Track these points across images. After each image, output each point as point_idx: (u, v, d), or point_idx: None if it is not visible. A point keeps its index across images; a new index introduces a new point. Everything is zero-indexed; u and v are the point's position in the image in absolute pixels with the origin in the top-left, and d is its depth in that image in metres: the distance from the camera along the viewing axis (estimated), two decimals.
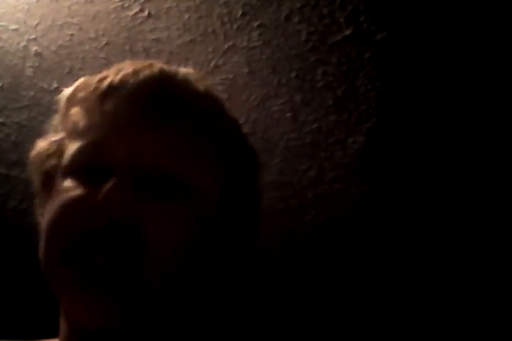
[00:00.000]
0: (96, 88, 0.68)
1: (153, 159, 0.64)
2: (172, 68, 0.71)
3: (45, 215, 0.66)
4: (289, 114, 1.59)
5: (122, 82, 0.67)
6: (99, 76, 0.70)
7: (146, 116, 0.66)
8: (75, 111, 0.69)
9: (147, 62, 0.71)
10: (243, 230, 0.71)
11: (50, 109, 1.61)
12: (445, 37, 1.41)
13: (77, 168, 0.65)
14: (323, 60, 1.47)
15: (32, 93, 1.61)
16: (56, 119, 0.73)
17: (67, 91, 0.72)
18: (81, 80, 0.72)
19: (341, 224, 1.81)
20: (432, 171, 1.67)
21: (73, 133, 0.68)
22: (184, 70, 0.72)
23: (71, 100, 0.70)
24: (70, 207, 0.63)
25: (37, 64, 1.55)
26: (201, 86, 0.71)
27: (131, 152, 0.64)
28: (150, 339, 0.64)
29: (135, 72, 0.68)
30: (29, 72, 1.56)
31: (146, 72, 0.68)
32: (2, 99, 1.64)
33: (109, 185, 0.61)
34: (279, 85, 1.53)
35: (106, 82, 0.68)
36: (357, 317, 1.93)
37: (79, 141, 0.66)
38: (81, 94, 0.70)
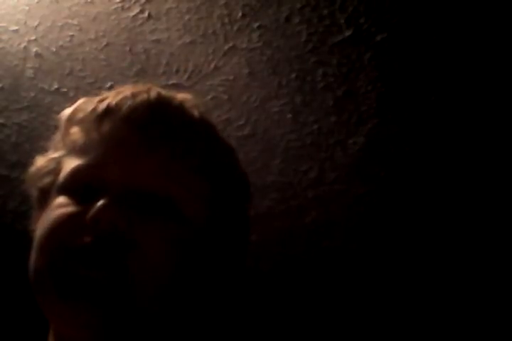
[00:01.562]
0: (94, 109, 0.70)
1: (144, 181, 0.66)
2: (170, 93, 0.73)
3: (37, 229, 0.68)
4: (289, 115, 1.59)
5: (119, 105, 0.69)
6: (98, 97, 0.72)
7: (140, 139, 0.68)
8: (75, 130, 0.71)
9: (146, 87, 0.73)
10: (229, 253, 0.72)
11: (50, 110, 1.61)
12: (445, 38, 1.41)
13: (72, 186, 0.67)
14: (324, 61, 1.47)
15: (32, 94, 1.61)
16: (57, 137, 0.75)
17: (68, 111, 0.74)
18: (81, 101, 0.74)
19: (342, 225, 1.81)
20: (433, 172, 1.67)
21: (72, 151, 0.70)
22: (181, 95, 0.74)
23: (71, 120, 0.72)
24: (61, 222, 0.65)
25: (37, 65, 1.55)
26: (196, 112, 0.73)
27: (123, 173, 0.66)
28: None
29: (133, 96, 0.70)
30: (29, 73, 1.56)
31: (143, 96, 0.70)
32: (2, 100, 1.64)
33: (99, 204, 0.63)
34: (279, 86, 1.53)
35: (104, 104, 0.70)
36: (357, 318, 1.93)
37: (76, 159, 0.68)
38: (80, 115, 0.72)
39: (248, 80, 1.53)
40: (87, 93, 1.54)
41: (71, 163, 0.68)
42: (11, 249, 1.88)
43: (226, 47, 1.47)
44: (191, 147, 0.70)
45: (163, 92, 0.72)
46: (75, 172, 0.68)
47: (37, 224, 0.70)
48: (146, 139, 0.68)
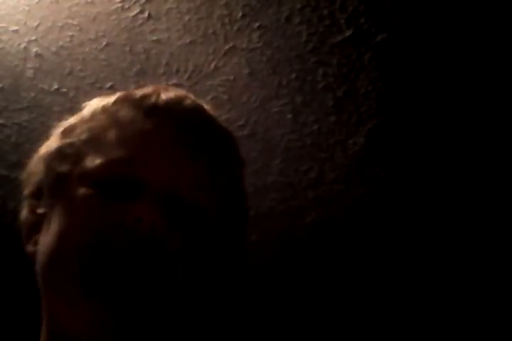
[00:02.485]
0: (138, 105, 0.68)
1: (185, 188, 0.65)
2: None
3: (55, 220, 0.65)
4: (289, 115, 1.59)
5: (167, 106, 0.68)
6: (140, 93, 0.70)
7: (187, 145, 0.66)
8: (103, 119, 0.68)
9: (181, 91, 0.72)
10: (235, 254, 0.73)
11: (50, 110, 1.62)
12: (445, 38, 1.41)
13: (102, 180, 0.64)
14: (324, 61, 1.47)
15: (32, 94, 1.61)
16: (73, 120, 0.71)
17: (104, 100, 0.71)
18: (121, 93, 0.71)
19: (342, 225, 1.81)
20: (432, 172, 1.67)
21: (97, 142, 0.67)
22: (205, 106, 0.73)
23: (105, 109, 0.69)
24: (95, 218, 0.62)
25: (37, 65, 1.55)
26: (222, 124, 0.73)
27: (166, 176, 0.64)
28: None
29: (179, 99, 0.69)
30: (29, 73, 1.56)
31: (188, 102, 0.69)
32: (2, 101, 1.64)
33: (141, 205, 0.61)
34: (279, 86, 1.53)
35: (150, 101, 0.68)
36: (357, 318, 1.93)
37: (106, 151, 0.65)
38: (117, 106, 0.69)
39: (248, 80, 1.53)
40: (87, 93, 1.54)
41: (99, 154, 0.65)
42: (11, 248, 1.87)
43: (226, 48, 1.47)
44: (226, 161, 0.70)
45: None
46: (110, 165, 0.64)
47: (47, 211, 0.67)
48: (193, 145, 0.67)
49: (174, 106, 0.68)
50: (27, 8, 1.44)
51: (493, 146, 1.59)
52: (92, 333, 0.60)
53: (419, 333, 1.87)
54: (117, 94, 0.71)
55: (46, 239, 0.65)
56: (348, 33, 1.41)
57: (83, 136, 0.68)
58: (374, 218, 1.78)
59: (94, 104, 0.71)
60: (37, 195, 0.70)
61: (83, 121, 0.70)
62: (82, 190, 0.64)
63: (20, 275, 1.84)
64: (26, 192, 0.71)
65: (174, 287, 0.62)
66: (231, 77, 1.52)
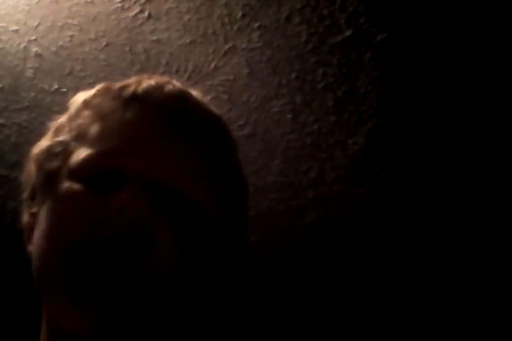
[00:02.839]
0: (118, 95, 0.68)
1: (170, 175, 0.63)
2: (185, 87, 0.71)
3: (43, 216, 0.65)
4: (289, 115, 1.59)
5: (147, 94, 0.67)
6: (119, 84, 0.69)
7: (170, 132, 0.65)
8: (88, 115, 0.68)
9: (164, 77, 0.71)
10: (235, 250, 0.71)
11: (50, 110, 1.61)
12: (446, 38, 1.41)
13: (86, 173, 0.63)
14: (324, 61, 1.47)
15: (32, 94, 1.61)
16: (62, 119, 0.71)
17: (85, 94, 0.71)
18: (101, 85, 0.71)
19: (342, 225, 1.81)
20: (432, 172, 1.67)
21: (83, 137, 0.67)
22: (193, 91, 0.72)
23: (87, 104, 0.69)
24: (78, 212, 0.61)
25: (37, 65, 1.55)
26: (214, 110, 0.72)
27: (150, 164, 0.63)
28: None
29: (159, 86, 0.68)
30: (29, 73, 1.56)
31: (170, 88, 0.68)
32: (2, 100, 1.64)
33: (126, 193, 0.60)
34: (279, 86, 1.53)
35: (129, 91, 0.68)
36: (357, 318, 1.93)
37: (90, 145, 0.65)
38: (99, 99, 0.69)
39: (248, 80, 1.53)
40: None
41: (84, 149, 0.65)
42: (11, 248, 1.87)
43: (226, 47, 1.47)
44: (214, 146, 0.68)
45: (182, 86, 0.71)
46: (93, 158, 0.64)
47: (37, 208, 0.67)
48: (175, 132, 0.65)
49: (154, 93, 0.67)
50: (27, 7, 1.44)
51: (494, 146, 1.59)
52: (83, 334, 0.59)
53: (419, 333, 1.87)
54: (98, 87, 0.71)
55: (35, 238, 0.64)
56: (348, 32, 1.41)
57: (71, 134, 0.68)
58: (374, 218, 1.78)
59: (77, 100, 0.71)
60: (32, 196, 0.70)
61: (70, 118, 0.70)
62: (66, 185, 0.64)
63: (20, 276, 1.84)
64: (24, 195, 0.71)
65: (164, 280, 0.60)
66: (231, 77, 1.52)
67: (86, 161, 0.64)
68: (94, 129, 0.66)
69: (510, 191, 1.67)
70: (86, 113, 0.68)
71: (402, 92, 1.51)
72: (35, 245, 0.64)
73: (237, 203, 0.72)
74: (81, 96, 0.71)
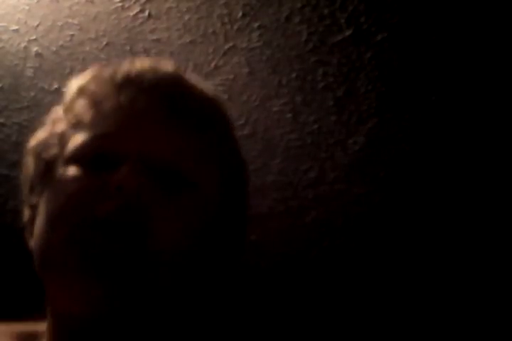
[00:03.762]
0: (111, 79, 0.68)
1: (165, 154, 0.64)
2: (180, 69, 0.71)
3: (43, 203, 0.65)
4: (289, 115, 1.59)
5: (140, 76, 0.67)
6: (111, 68, 0.69)
7: (163, 111, 0.66)
8: (82, 102, 0.68)
9: (158, 60, 0.71)
10: (235, 229, 0.72)
11: (50, 110, 1.62)
12: (446, 37, 1.41)
13: (83, 157, 0.64)
14: (324, 61, 1.47)
15: (32, 94, 1.61)
16: (58, 110, 0.72)
17: (78, 81, 0.71)
18: (92, 71, 0.71)
19: (341, 224, 1.81)
20: (432, 172, 1.67)
21: (79, 125, 0.67)
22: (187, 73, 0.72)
23: (82, 91, 0.69)
24: (78, 194, 0.62)
25: (37, 64, 1.55)
26: (210, 89, 0.72)
27: (144, 144, 0.64)
28: (140, 331, 0.63)
29: (152, 68, 0.68)
30: (29, 72, 1.56)
31: (163, 69, 0.69)
32: (2, 100, 1.64)
33: (123, 171, 0.61)
34: (279, 86, 1.53)
35: (122, 74, 0.68)
36: (357, 317, 1.93)
37: (86, 131, 0.66)
38: (92, 85, 0.69)
39: (248, 80, 1.53)
40: None
41: (80, 135, 0.66)
42: (11, 248, 1.88)
43: (226, 47, 1.47)
44: (211, 123, 0.69)
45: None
46: (87, 143, 0.64)
47: (37, 199, 0.67)
48: (168, 112, 0.66)
49: (146, 74, 0.67)
50: (27, 7, 1.44)
51: (494, 145, 1.59)
52: (88, 313, 0.59)
53: (419, 333, 1.87)
54: (91, 72, 0.71)
55: (37, 226, 0.65)
56: (348, 32, 1.41)
57: (67, 124, 0.69)
58: (374, 218, 1.78)
59: (72, 88, 0.71)
60: (31, 188, 0.70)
61: (66, 108, 0.70)
62: (65, 170, 0.64)
63: (20, 274, 1.85)
64: (24, 191, 0.71)
65: (163, 256, 0.61)
66: (231, 77, 1.52)
67: (82, 145, 0.65)
68: (89, 116, 0.67)
69: (510, 189, 1.67)
70: (81, 102, 0.69)
71: (402, 92, 1.51)
72: (37, 229, 0.64)
73: (236, 180, 0.72)
74: (75, 84, 0.71)
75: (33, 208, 0.68)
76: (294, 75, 1.51)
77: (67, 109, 0.70)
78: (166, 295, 0.63)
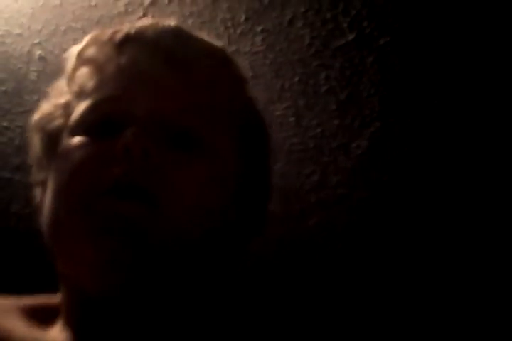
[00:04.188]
0: (110, 40, 0.65)
1: (174, 113, 0.61)
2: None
3: (51, 177, 0.63)
4: (292, 119, 1.59)
5: (140, 33, 0.65)
6: (111, 30, 0.67)
7: (167, 69, 0.63)
8: (84, 70, 0.66)
9: (159, 18, 0.68)
10: (255, 195, 0.69)
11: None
12: (448, 41, 1.41)
13: (88, 124, 0.62)
14: (327, 65, 1.47)
15: (36, 97, 1.61)
16: (60, 82, 0.70)
17: (76, 48, 0.69)
18: (91, 36, 0.68)
19: (344, 228, 1.81)
20: (435, 176, 1.67)
21: (82, 94, 0.65)
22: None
23: (82, 57, 0.67)
24: (86, 160, 0.60)
25: (41, 68, 1.55)
26: (216, 43, 0.69)
27: (150, 104, 0.61)
28: (151, 307, 0.61)
29: (152, 25, 0.66)
30: (33, 76, 1.57)
31: (164, 24, 0.66)
32: (6, 103, 1.64)
33: (128, 133, 0.58)
34: (282, 90, 1.53)
35: (121, 34, 0.65)
36: (358, 320, 1.92)
37: (89, 99, 0.63)
38: (92, 50, 0.67)
39: (251, 83, 1.52)
40: None
41: (84, 103, 0.63)
42: (15, 250, 1.88)
43: (229, 51, 1.47)
44: (219, 78, 0.66)
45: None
46: (92, 110, 0.62)
47: (44, 173, 0.65)
48: (173, 68, 0.63)
49: (146, 32, 0.65)
50: (30, 11, 1.44)
51: (496, 149, 1.59)
52: (101, 283, 0.58)
53: (419, 333, 1.87)
54: (89, 36, 0.69)
55: (47, 198, 0.63)
56: (351, 36, 1.41)
57: (71, 93, 0.67)
58: (377, 222, 1.78)
59: (71, 56, 0.69)
60: (39, 166, 0.68)
61: (68, 78, 0.68)
62: (71, 138, 0.62)
63: (23, 277, 1.85)
64: (33, 171, 0.69)
65: (175, 217, 0.58)
66: None
67: (85, 112, 0.62)
68: (91, 83, 0.64)
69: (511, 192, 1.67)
70: (83, 70, 0.66)
71: (404, 96, 1.51)
72: (47, 201, 0.62)
73: (254, 139, 0.69)
74: (75, 50, 0.69)
75: (43, 185, 0.66)
76: (296, 79, 1.51)
77: (70, 79, 0.68)
78: (181, 264, 0.60)
